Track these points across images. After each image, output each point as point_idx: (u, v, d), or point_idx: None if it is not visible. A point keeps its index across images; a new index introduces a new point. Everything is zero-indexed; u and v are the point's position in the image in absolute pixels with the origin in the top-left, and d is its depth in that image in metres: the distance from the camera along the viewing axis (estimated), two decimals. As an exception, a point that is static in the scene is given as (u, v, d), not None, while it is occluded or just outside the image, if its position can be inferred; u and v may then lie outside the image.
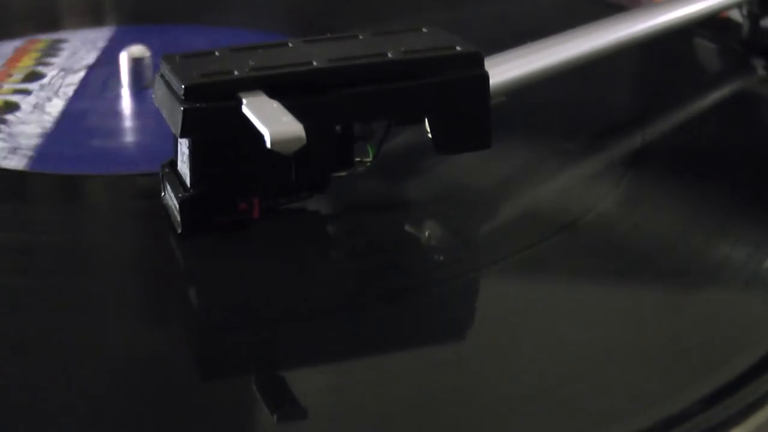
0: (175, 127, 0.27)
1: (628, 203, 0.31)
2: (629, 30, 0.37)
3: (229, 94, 0.27)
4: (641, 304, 0.27)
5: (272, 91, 0.27)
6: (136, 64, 0.37)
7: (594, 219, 0.30)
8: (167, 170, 0.29)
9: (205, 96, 0.27)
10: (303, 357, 0.24)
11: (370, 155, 0.30)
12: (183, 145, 0.28)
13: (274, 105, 0.26)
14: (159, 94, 0.28)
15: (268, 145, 0.25)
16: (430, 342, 0.25)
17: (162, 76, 0.28)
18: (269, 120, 0.25)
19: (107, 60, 0.40)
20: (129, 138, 0.35)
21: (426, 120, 0.30)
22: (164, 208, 0.29)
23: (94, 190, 0.32)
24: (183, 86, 0.27)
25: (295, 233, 0.29)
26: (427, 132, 0.30)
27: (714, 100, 0.40)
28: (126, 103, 0.37)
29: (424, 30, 0.31)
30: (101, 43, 0.42)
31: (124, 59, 0.37)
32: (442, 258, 0.29)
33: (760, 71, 0.43)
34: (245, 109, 0.26)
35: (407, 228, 0.30)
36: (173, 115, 0.27)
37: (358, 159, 0.30)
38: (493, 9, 0.47)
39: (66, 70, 0.39)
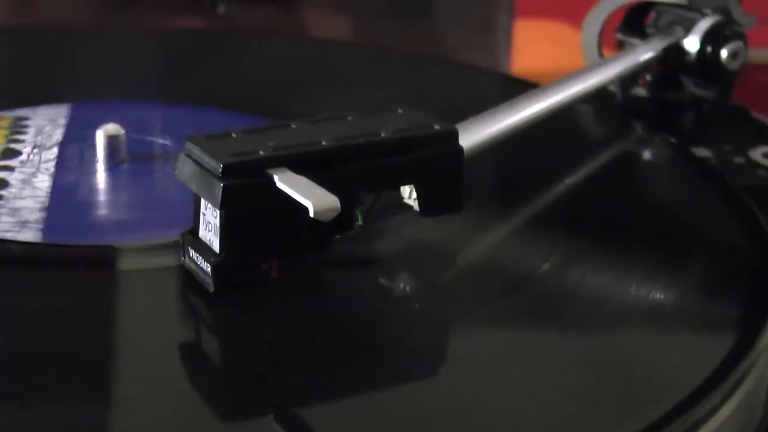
0: (214, 201, 0.31)
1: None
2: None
3: (259, 170, 0.31)
4: (578, 354, 0.32)
5: (293, 168, 0.31)
6: (111, 141, 0.41)
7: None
8: (190, 237, 0.33)
9: (239, 173, 0.31)
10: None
11: (360, 220, 0.35)
12: (208, 215, 0.32)
13: (304, 180, 0.31)
14: (186, 171, 0.32)
15: (312, 214, 0.29)
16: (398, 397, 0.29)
17: (188, 155, 0.32)
18: (307, 193, 0.30)
19: (76, 136, 0.43)
20: (123, 209, 0.38)
21: (401, 188, 0.35)
22: (188, 271, 0.33)
23: (115, 257, 0.35)
24: (221, 165, 0.31)
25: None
26: (402, 198, 0.35)
27: (600, 162, 0.46)
28: (108, 177, 0.40)
29: (399, 111, 0.36)
30: (62, 120, 0.45)
31: (100, 137, 0.41)
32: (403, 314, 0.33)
33: (639, 131, 0.50)
34: (280, 184, 0.31)
35: (364, 287, 0.34)
36: (209, 190, 0.31)
37: None
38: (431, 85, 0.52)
39: (40, 147, 0.42)
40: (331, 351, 0.31)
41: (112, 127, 0.41)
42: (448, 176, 0.35)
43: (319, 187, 0.30)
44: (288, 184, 0.30)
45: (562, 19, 0.87)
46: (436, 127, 0.35)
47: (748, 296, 0.34)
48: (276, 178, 0.31)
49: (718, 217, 0.40)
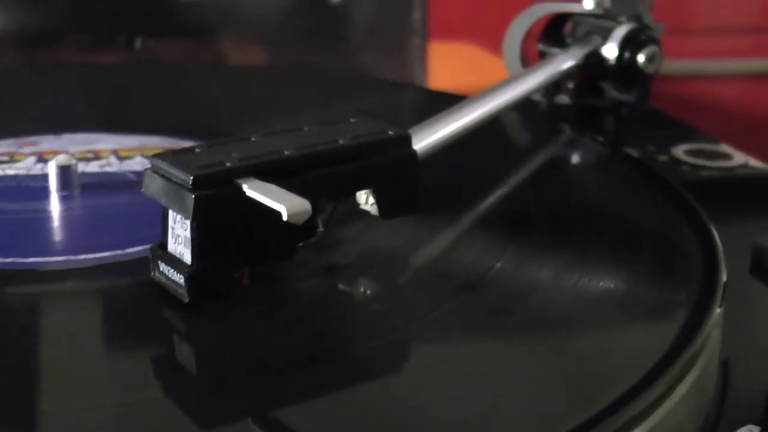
0: (185, 213, 0.32)
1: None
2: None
3: (227, 181, 0.32)
4: (535, 346, 0.33)
5: (259, 177, 0.32)
6: (63, 171, 0.41)
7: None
8: (159, 252, 0.34)
9: (209, 184, 0.32)
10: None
11: (320, 227, 0.36)
12: (177, 228, 0.33)
13: (273, 187, 0.32)
14: (154, 186, 0.33)
15: (285, 218, 0.30)
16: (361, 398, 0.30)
17: (156, 171, 0.33)
18: (278, 198, 0.31)
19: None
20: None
21: (357, 195, 0.36)
22: (157, 285, 0.34)
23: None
24: (191, 177, 0.32)
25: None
26: (359, 205, 0.37)
27: (539, 164, 0.48)
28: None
29: (352, 120, 0.37)
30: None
31: (51, 167, 0.41)
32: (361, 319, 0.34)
33: (567, 132, 0.52)
34: (250, 192, 0.32)
35: (318, 295, 0.35)
36: (180, 202, 0.32)
37: None
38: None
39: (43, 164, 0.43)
40: (302, 355, 0.32)
41: (63, 158, 0.42)
42: (403, 179, 0.36)
43: (289, 192, 0.31)
44: (258, 191, 0.31)
45: (474, 42, 0.90)
46: (390, 132, 0.36)
47: (693, 284, 0.36)
48: (245, 187, 0.32)
49: (657, 209, 0.42)
